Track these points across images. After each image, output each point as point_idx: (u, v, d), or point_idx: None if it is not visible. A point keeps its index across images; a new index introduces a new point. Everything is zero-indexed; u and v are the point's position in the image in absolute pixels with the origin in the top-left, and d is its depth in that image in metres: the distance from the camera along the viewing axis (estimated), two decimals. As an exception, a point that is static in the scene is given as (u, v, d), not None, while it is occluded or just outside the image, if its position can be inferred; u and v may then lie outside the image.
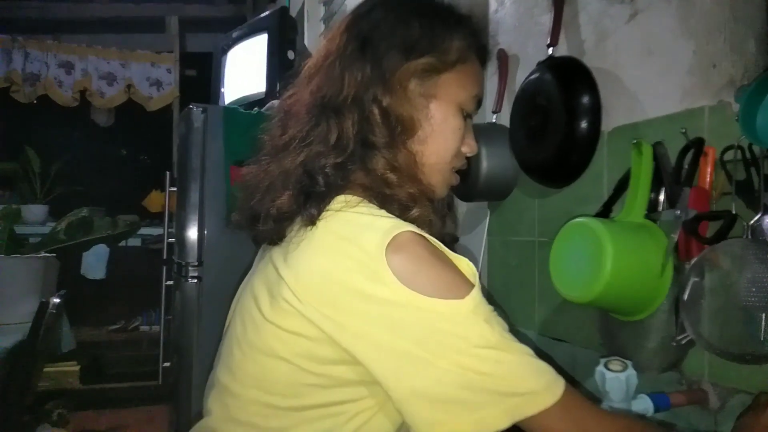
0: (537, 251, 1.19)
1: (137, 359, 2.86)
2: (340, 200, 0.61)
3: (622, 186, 0.92)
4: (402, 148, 0.63)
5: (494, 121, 1.29)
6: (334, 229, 0.58)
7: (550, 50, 1.08)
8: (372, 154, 0.61)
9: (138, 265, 3.02)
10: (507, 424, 0.54)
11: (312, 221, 0.59)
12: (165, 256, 2.04)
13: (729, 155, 0.77)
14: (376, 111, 0.61)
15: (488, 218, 1.37)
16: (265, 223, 0.63)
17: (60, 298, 1.90)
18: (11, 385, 1.68)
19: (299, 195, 0.61)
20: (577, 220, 0.88)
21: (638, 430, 0.62)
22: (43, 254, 2.29)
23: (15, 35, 3.45)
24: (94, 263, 3.05)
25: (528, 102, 1.10)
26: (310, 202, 0.60)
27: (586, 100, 0.98)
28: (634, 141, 0.88)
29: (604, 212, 0.93)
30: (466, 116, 0.68)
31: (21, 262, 2.15)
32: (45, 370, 2.30)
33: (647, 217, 0.86)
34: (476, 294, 0.56)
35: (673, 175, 0.83)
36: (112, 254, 3.10)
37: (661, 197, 0.87)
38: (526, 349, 0.57)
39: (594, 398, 0.84)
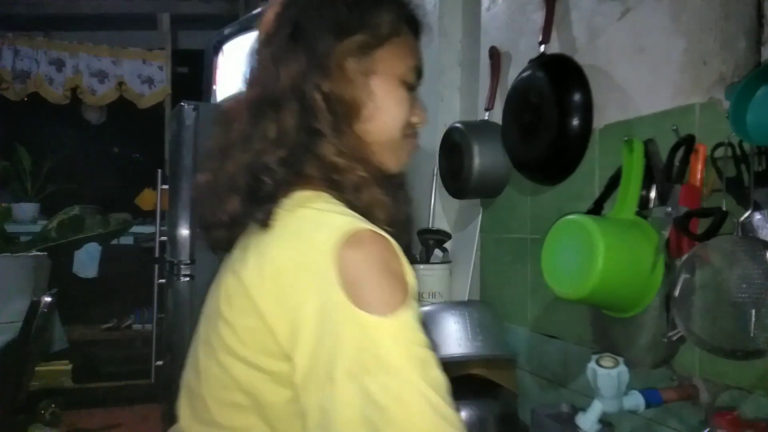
0: (529, 248, 1.19)
1: (130, 358, 2.84)
2: (294, 198, 0.60)
3: (613, 183, 0.92)
4: (348, 131, 0.62)
5: (486, 118, 1.29)
6: (289, 227, 0.57)
7: (542, 47, 1.08)
8: (318, 142, 0.61)
9: (130, 264, 3.00)
10: None
11: (265, 224, 0.58)
12: (157, 255, 2.03)
13: (719, 152, 0.78)
14: (317, 98, 0.60)
15: (480, 215, 1.37)
16: (217, 230, 0.63)
17: (51, 297, 1.89)
18: (3, 385, 1.67)
19: (247, 198, 0.60)
20: (569, 217, 0.88)
21: None
22: (34, 253, 2.27)
23: (4, 32, 3.42)
24: (86, 262, 3.03)
25: (520, 99, 1.10)
26: (260, 204, 0.59)
27: (577, 97, 0.99)
28: (626, 138, 0.88)
29: (596, 209, 0.94)
30: (410, 88, 0.67)
31: (12, 260, 2.14)
32: (37, 369, 2.29)
33: (638, 214, 0.87)
34: (406, 316, 0.51)
35: (664, 172, 0.84)
36: (104, 253, 3.08)
37: (652, 194, 0.87)
38: (436, 400, 0.49)
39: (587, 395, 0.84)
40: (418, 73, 0.69)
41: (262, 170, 0.59)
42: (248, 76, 0.65)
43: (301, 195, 0.60)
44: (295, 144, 0.60)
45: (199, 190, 0.66)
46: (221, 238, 0.64)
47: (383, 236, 0.55)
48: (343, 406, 0.49)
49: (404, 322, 0.51)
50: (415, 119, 0.68)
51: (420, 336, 0.52)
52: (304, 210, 0.58)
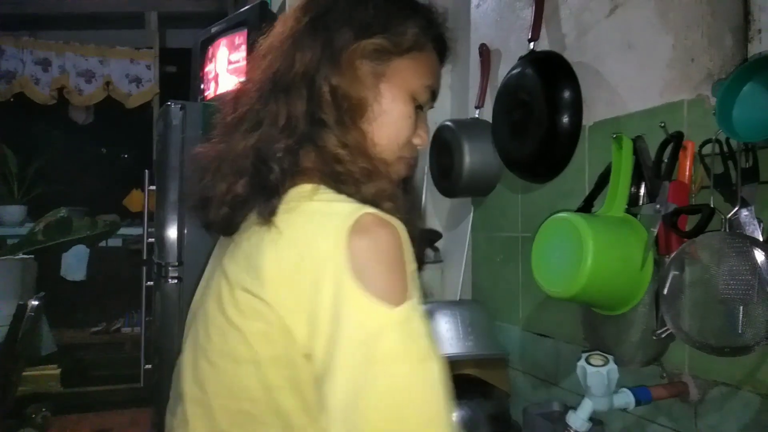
0: (521, 246, 1.19)
1: (119, 361, 2.81)
2: (295, 193, 0.59)
3: (603, 180, 0.92)
4: (352, 127, 0.62)
5: (477, 116, 1.29)
6: (295, 224, 0.57)
7: (532, 45, 1.08)
8: (322, 132, 0.60)
9: (119, 266, 2.97)
10: None
11: (269, 218, 0.57)
12: (145, 257, 2.01)
13: (707, 149, 0.78)
14: (325, 89, 0.60)
15: (472, 214, 1.36)
16: (219, 208, 0.62)
17: (39, 300, 1.87)
18: (-12, 390, 1.64)
19: (254, 183, 0.59)
20: (558, 215, 0.87)
21: None
22: (21, 256, 2.24)
23: (-11, 31, 3.37)
24: (74, 264, 2.99)
25: (510, 97, 1.10)
26: (265, 194, 0.58)
27: (567, 94, 0.98)
28: (614, 135, 0.88)
29: (586, 207, 0.94)
30: (418, 107, 0.66)
31: (-2, 264, 2.11)
32: (25, 373, 2.26)
33: (628, 211, 0.86)
34: (411, 306, 0.52)
35: (652, 169, 0.84)
36: (92, 255, 3.04)
37: (642, 191, 0.87)
38: (435, 387, 0.52)
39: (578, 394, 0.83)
40: (432, 95, 0.68)
41: (271, 156, 0.59)
42: (263, 56, 0.65)
43: (301, 189, 0.60)
44: (301, 132, 0.60)
45: (198, 162, 0.64)
46: (219, 218, 0.62)
47: (389, 221, 0.55)
48: (343, 392, 0.50)
49: (409, 313, 0.52)
50: (416, 140, 0.67)
51: (423, 329, 0.53)
52: (309, 203, 0.58)
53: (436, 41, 0.68)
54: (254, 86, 0.63)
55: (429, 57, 0.67)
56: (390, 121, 0.63)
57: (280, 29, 0.65)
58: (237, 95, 0.65)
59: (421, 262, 0.64)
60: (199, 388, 0.60)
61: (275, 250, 0.56)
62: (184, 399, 0.62)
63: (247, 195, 0.60)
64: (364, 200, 0.58)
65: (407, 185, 0.70)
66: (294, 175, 0.60)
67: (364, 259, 0.52)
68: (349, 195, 0.59)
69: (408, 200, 0.66)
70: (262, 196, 0.58)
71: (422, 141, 0.68)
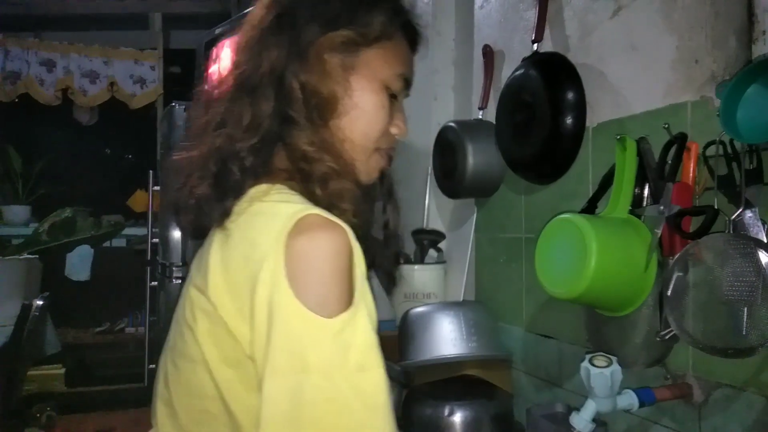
0: (524, 248, 1.19)
1: (123, 361, 2.81)
2: (251, 193, 0.59)
3: (607, 182, 0.92)
4: (322, 124, 0.61)
5: (480, 117, 1.29)
6: (241, 226, 0.57)
7: (535, 46, 1.08)
8: (292, 130, 0.59)
9: (123, 266, 2.98)
10: None
11: (221, 220, 0.57)
12: (149, 257, 2.02)
13: (711, 150, 0.78)
14: (295, 86, 0.60)
15: (475, 215, 1.36)
16: (185, 214, 0.62)
17: (43, 300, 1.88)
18: (-6, 390, 1.65)
19: (215, 185, 0.59)
20: (562, 216, 0.87)
21: None
22: (25, 256, 2.25)
23: (-6, 33, 3.39)
24: (78, 264, 3.01)
25: (513, 98, 1.10)
26: (223, 196, 0.58)
27: (570, 95, 0.98)
28: (618, 137, 0.88)
29: (590, 208, 0.94)
30: (392, 96, 0.65)
31: (3, 264, 2.12)
32: (30, 373, 2.27)
33: (631, 212, 0.86)
34: (349, 316, 0.50)
35: (656, 170, 0.84)
36: (96, 255, 3.06)
37: (646, 192, 0.87)
38: (373, 397, 0.50)
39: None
40: (406, 83, 0.67)
41: (232, 157, 0.58)
42: (233, 58, 0.64)
43: (257, 190, 0.59)
44: (267, 131, 0.59)
45: (172, 170, 0.64)
46: (188, 223, 0.63)
47: (335, 223, 0.53)
48: (273, 401, 0.49)
49: (345, 324, 0.50)
50: (394, 129, 0.66)
51: (362, 338, 0.51)
52: (258, 204, 0.57)
53: (405, 28, 0.67)
54: (223, 88, 0.63)
55: (398, 45, 0.66)
56: (362, 114, 0.62)
57: (248, 29, 0.64)
58: (207, 99, 0.65)
59: (397, 261, 0.63)
60: (166, 387, 0.61)
61: (222, 251, 0.56)
62: (156, 398, 0.63)
63: (208, 197, 0.59)
64: (324, 199, 0.57)
65: (382, 178, 0.69)
66: (259, 176, 0.59)
67: (302, 263, 0.50)
68: (310, 194, 0.58)
69: (382, 194, 0.66)
70: (219, 198, 0.58)
71: (400, 130, 0.67)
